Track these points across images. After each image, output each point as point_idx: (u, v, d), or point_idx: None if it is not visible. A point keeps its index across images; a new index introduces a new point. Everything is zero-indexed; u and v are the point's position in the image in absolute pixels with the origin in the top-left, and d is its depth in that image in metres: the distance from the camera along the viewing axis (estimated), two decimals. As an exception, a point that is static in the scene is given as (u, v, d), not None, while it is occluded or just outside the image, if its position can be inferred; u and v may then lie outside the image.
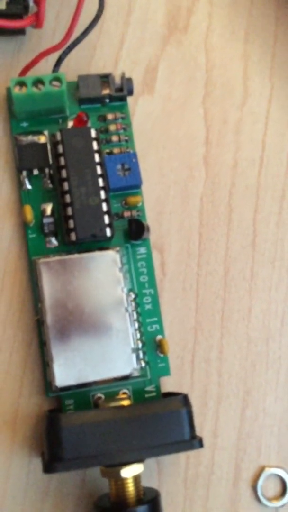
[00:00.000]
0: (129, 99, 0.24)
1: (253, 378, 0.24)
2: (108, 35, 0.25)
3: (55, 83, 0.22)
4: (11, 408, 0.22)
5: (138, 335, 0.22)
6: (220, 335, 0.24)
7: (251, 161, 0.25)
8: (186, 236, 0.25)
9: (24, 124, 0.23)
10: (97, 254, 0.22)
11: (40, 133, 0.23)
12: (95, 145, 0.22)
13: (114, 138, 0.24)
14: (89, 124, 0.23)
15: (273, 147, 0.26)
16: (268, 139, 0.26)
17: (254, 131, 0.26)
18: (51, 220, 0.23)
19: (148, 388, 0.22)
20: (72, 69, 0.24)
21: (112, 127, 0.24)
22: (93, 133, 0.22)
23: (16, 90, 0.22)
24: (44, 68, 0.23)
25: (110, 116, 0.24)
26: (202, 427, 0.23)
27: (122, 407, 0.20)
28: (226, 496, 0.23)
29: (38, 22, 0.23)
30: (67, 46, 0.23)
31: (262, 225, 0.25)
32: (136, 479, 0.20)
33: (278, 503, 0.23)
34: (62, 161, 0.22)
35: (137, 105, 0.25)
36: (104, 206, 0.22)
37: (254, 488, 0.23)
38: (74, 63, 0.24)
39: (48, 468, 0.19)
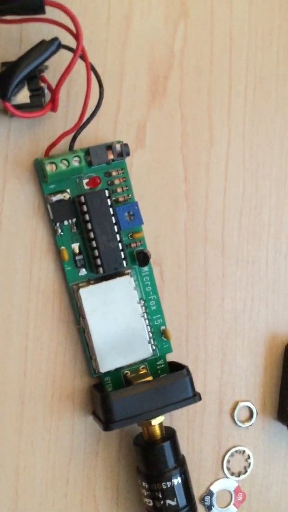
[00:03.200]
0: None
1: (227, 345, 0.35)
2: (107, 105, 0.32)
3: (75, 158, 0.30)
4: (70, 386, 0.32)
5: (149, 328, 0.32)
6: (204, 319, 0.35)
7: (218, 191, 0.34)
8: (176, 252, 0.34)
9: (52, 186, 0.31)
10: (118, 280, 0.31)
11: (64, 191, 0.31)
12: (109, 202, 0.31)
13: (119, 190, 0.32)
14: (100, 184, 0.31)
15: (233, 178, 0.35)
16: (229, 172, 0.34)
17: (219, 167, 0.34)
18: (81, 257, 0.31)
19: (159, 363, 0.33)
20: (82, 135, 0.31)
21: (116, 181, 0.32)
22: (106, 193, 0.31)
23: (49, 169, 0.29)
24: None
25: (114, 173, 0.32)
26: (196, 381, 0.34)
27: (148, 381, 0.31)
28: (214, 423, 0.35)
29: (53, 108, 0.30)
30: (80, 127, 0.30)
31: (228, 237, 0.35)
32: (160, 424, 0.31)
33: (247, 424, 0.35)
34: (87, 217, 0.30)
35: (134, 158, 0.33)
36: (120, 245, 0.31)
37: (232, 416, 0.35)
38: (84, 131, 0.31)
39: (106, 427, 0.29)
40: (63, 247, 0.31)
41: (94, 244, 0.30)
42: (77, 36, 0.29)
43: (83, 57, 0.29)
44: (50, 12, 0.28)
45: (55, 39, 0.29)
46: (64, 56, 0.29)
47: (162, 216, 0.34)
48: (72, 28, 0.28)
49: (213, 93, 0.34)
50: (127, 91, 0.32)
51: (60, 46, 0.29)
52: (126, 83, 0.32)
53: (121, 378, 0.32)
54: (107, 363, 0.31)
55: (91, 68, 0.30)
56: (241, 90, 0.34)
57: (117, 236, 0.31)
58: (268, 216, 0.35)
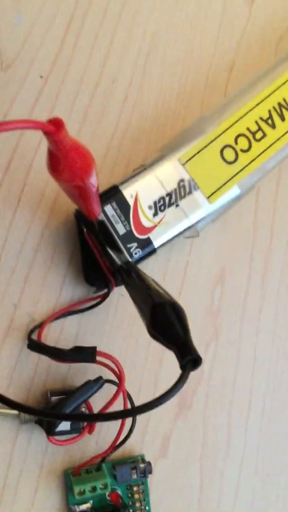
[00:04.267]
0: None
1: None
2: (138, 418, 0.35)
3: (101, 483, 0.33)
4: None
5: None
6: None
7: (229, 496, 0.37)
8: None
9: (77, 498, 0.34)
10: None
11: (87, 501, 0.34)
12: None
13: (137, 504, 0.34)
14: (121, 501, 0.34)
15: (245, 484, 0.37)
16: (243, 475, 0.37)
17: (233, 474, 0.37)
18: None
19: None
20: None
21: (136, 495, 0.34)
22: (126, 514, 0.33)
23: (77, 492, 0.32)
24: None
25: (135, 488, 0.34)
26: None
27: None
28: None
29: (90, 431, 0.33)
30: (110, 452, 0.33)
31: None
32: None
33: None
34: None
35: (156, 466, 0.35)
36: None
37: None
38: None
39: None
40: None
41: None
42: (119, 378, 0.33)
43: (122, 392, 0.33)
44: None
45: (99, 378, 0.32)
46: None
47: None
48: (116, 369, 0.33)
49: (233, 408, 0.37)
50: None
51: (104, 383, 0.33)
52: (157, 399, 0.36)
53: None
54: None
55: (127, 398, 0.33)
56: (260, 404, 0.38)
57: None
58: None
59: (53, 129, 0.21)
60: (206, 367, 0.37)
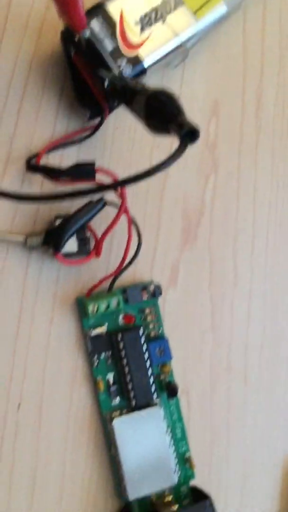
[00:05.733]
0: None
1: (248, 470, 0.37)
2: (145, 247, 0.36)
3: (114, 300, 0.33)
4: (101, 509, 0.34)
5: (175, 455, 0.34)
6: (226, 445, 0.37)
7: (241, 325, 0.37)
8: (202, 382, 0.37)
9: (91, 321, 0.34)
10: (148, 410, 0.33)
11: (102, 326, 0.34)
12: (143, 339, 0.34)
13: (151, 325, 0.35)
14: (134, 320, 0.35)
15: (256, 314, 0.38)
16: (252, 308, 0.38)
17: (242, 304, 0.37)
18: (115, 388, 0.34)
19: (182, 488, 0.35)
20: (122, 276, 0.35)
21: (149, 318, 0.35)
22: (141, 332, 0.34)
23: (90, 309, 0.33)
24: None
25: (147, 310, 0.35)
26: (218, 503, 0.36)
27: (173, 511, 0.33)
28: None
29: (97, 254, 0.34)
30: (119, 271, 0.34)
31: (249, 368, 0.37)
32: None
33: None
34: (123, 353, 0.33)
35: (166, 295, 0.36)
36: (152, 380, 0.34)
37: None
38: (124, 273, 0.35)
39: None
40: (99, 378, 0.34)
41: (128, 378, 0.33)
42: (121, 198, 0.33)
43: (126, 213, 0.33)
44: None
45: (101, 199, 0.33)
46: (109, 205, 0.33)
47: (190, 348, 0.37)
48: (118, 189, 0.33)
49: (238, 237, 0.38)
50: (164, 235, 0.36)
51: (105, 205, 0.33)
52: (163, 229, 0.36)
53: (147, 504, 0.34)
54: (135, 491, 0.33)
55: (132, 222, 0.34)
56: (263, 235, 0.38)
57: (149, 371, 0.34)
58: (286, 349, 0.38)
59: None
60: (207, 197, 0.37)
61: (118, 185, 0.24)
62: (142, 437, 0.33)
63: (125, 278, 0.35)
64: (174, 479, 0.34)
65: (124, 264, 0.34)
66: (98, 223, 0.34)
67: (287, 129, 0.40)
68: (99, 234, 0.34)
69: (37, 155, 0.33)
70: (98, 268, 0.35)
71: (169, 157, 0.24)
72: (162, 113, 0.26)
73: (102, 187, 0.24)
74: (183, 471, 0.35)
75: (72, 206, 0.34)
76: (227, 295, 0.37)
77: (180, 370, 0.36)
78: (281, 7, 0.40)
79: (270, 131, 0.39)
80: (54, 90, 0.34)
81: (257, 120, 0.39)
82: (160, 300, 0.35)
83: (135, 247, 0.34)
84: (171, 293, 0.36)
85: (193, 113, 0.38)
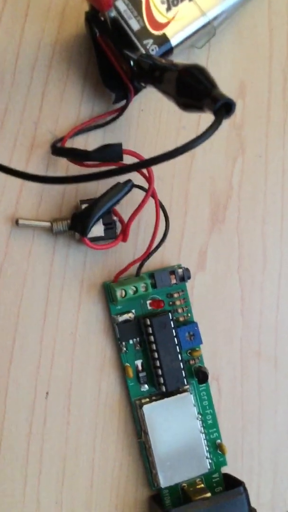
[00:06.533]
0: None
1: (280, 456, 0.36)
2: (172, 232, 0.35)
3: (143, 285, 0.33)
4: (132, 498, 0.34)
5: (206, 442, 0.34)
6: (258, 431, 0.36)
7: (271, 308, 0.37)
8: (232, 367, 0.36)
9: (119, 307, 0.34)
10: (178, 397, 0.33)
11: (130, 311, 0.34)
12: (172, 324, 0.33)
13: (179, 310, 0.34)
14: (163, 305, 0.34)
15: (285, 296, 0.37)
16: (282, 291, 0.37)
17: (272, 286, 0.37)
18: (144, 374, 0.34)
19: (214, 476, 0.34)
20: (150, 261, 0.34)
21: (177, 302, 0.34)
22: (170, 316, 0.33)
23: (119, 294, 0.32)
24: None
25: (175, 295, 0.34)
26: (250, 491, 0.35)
27: (206, 498, 0.32)
28: None
29: (124, 239, 0.33)
30: (147, 256, 0.33)
31: (280, 352, 0.37)
32: None
33: None
34: (152, 338, 0.33)
35: (195, 280, 0.35)
36: (182, 365, 0.33)
37: None
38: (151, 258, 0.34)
39: None
40: (127, 364, 0.34)
41: (158, 363, 0.33)
42: (149, 180, 0.32)
43: (153, 196, 0.33)
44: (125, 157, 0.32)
45: (128, 181, 0.32)
46: (134, 190, 0.33)
47: (220, 332, 0.36)
48: (145, 172, 0.32)
49: (267, 220, 0.37)
50: (191, 219, 0.36)
51: (133, 186, 0.32)
52: (190, 213, 0.36)
53: (179, 491, 0.34)
54: (167, 478, 0.33)
55: (159, 206, 0.33)
56: (293, 217, 0.37)
57: (179, 356, 0.33)
58: None
59: None
60: (235, 180, 0.37)
61: (153, 162, 0.23)
62: (173, 424, 0.33)
63: (153, 263, 0.35)
64: (206, 466, 0.33)
65: (152, 248, 0.33)
66: (124, 208, 0.34)
67: (315, 109, 0.39)
68: (125, 218, 0.33)
69: (62, 139, 0.33)
70: (125, 252, 0.34)
71: (204, 132, 0.23)
72: (195, 88, 0.25)
73: (134, 165, 0.23)
74: (214, 457, 0.34)
75: (97, 191, 0.34)
76: (256, 279, 0.36)
77: (209, 356, 0.35)
78: (307, -16, 0.39)
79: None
80: (78, 73, 0.34)
81: (284, 100, 0.38)
82: (188, 285, 0.35)
83: (163, 231, 0.34)
84: (200, 277, 0.36)
85: (218, 94, 0.37)
